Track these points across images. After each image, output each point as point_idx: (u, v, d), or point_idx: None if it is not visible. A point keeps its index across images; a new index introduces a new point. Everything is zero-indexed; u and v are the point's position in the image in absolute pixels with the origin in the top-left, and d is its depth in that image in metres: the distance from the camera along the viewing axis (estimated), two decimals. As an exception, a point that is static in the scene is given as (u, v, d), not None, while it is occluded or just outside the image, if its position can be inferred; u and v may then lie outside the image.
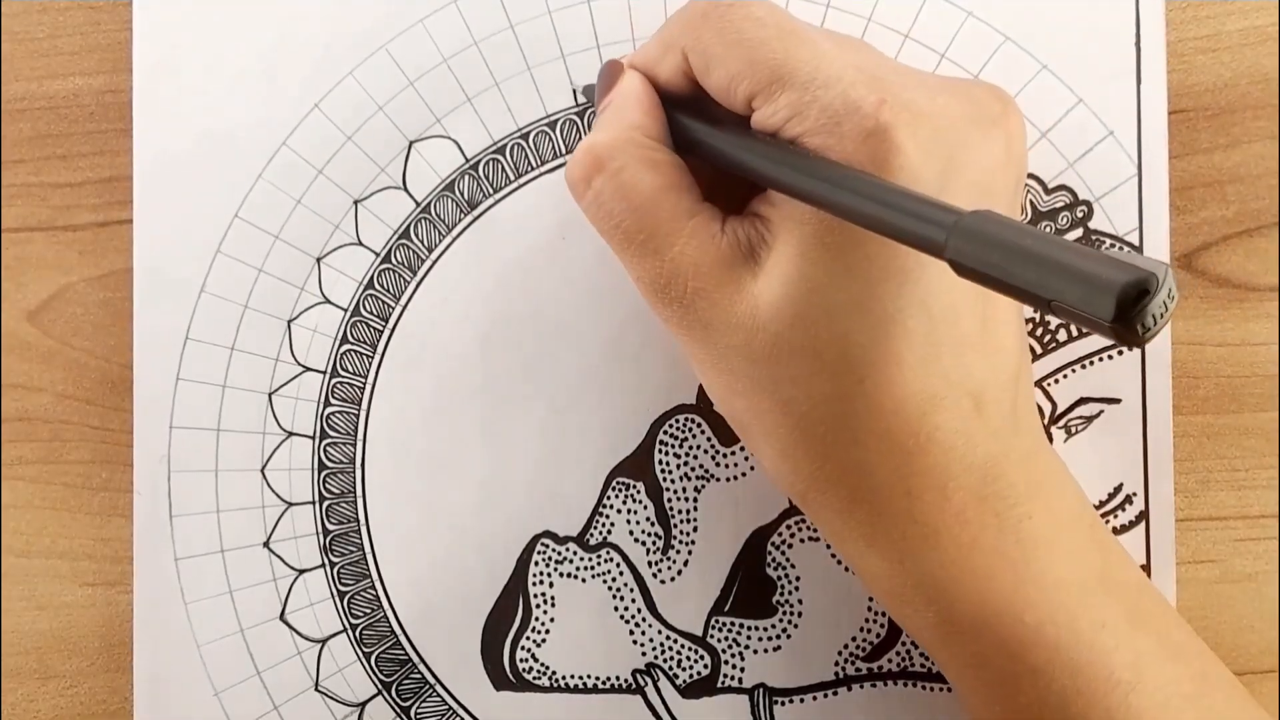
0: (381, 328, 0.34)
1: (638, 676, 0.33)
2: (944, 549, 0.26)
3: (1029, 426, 0.28)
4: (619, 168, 0.27)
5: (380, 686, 0.34)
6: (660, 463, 0.33)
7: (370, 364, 0.34)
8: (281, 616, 0.34)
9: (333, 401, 0.34)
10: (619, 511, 0.33)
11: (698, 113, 0.28)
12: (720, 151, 0.27)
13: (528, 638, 0.33)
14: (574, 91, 0.33)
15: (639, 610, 0.33)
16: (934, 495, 0.26)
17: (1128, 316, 0.18)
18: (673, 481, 0.33)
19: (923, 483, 0.26)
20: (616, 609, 0.33)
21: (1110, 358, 0.32)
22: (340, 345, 0.34)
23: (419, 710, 0.33)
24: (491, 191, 0.33)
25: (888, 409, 0.25)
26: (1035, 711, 0.26)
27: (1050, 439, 0.32)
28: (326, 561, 0.34)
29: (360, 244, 0.34)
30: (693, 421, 0.33)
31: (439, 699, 0.33)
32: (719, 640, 0.33)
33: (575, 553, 0.33)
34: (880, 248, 0.25)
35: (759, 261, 0.26)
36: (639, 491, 0.33)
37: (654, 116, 0.28)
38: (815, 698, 0.33)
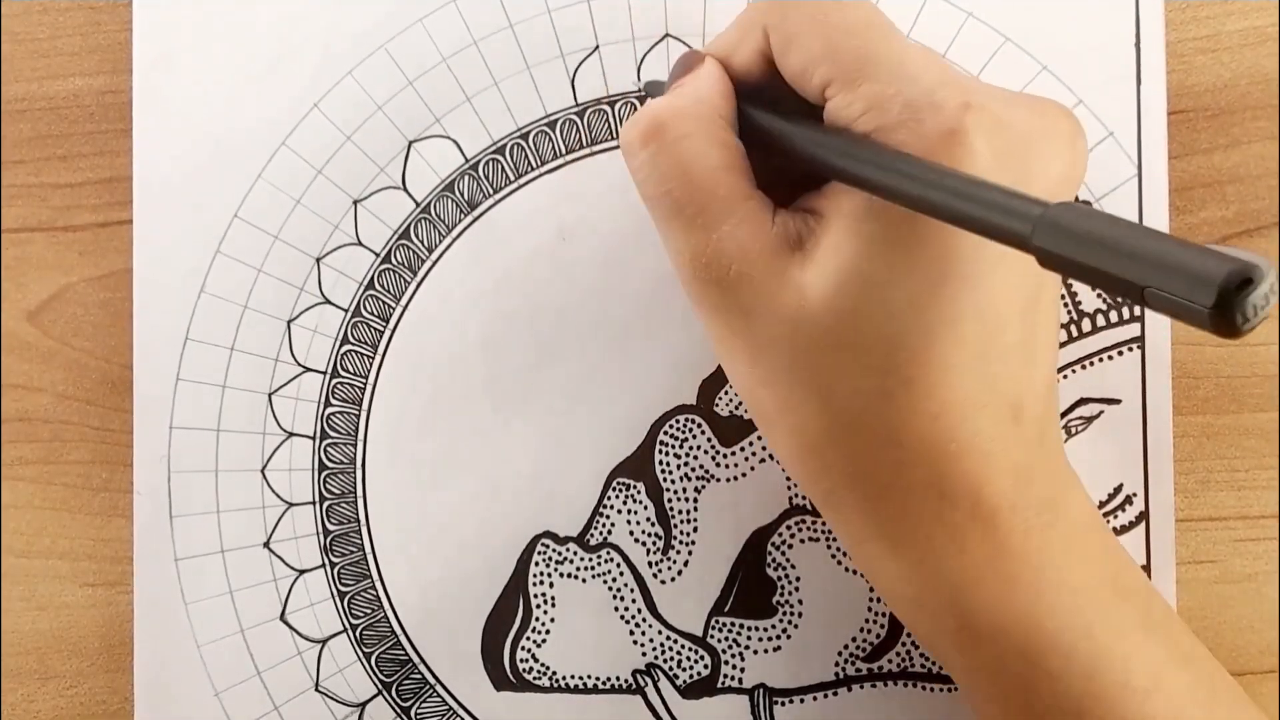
0: (382, 328, 0.34)
1: (638, 677, 0.33)
2: (970, 553, 0.26)
3: (1055, 437, 0.28)
4: (683, 135, 0.27)
5: (380, 687, 0.34)
6: (660, 463, 0.33)
7: (370, 364, 0.34)
8: (282, 617, 0.34)
9: (333, 402, 0.34)
10: (619, 512, 0.33)
11: (766, 104, 0.28)
12: (792, 142, 0.27)
13: (528, 638, 0.33)
14: (638, 73, 0.33)
15: (639, 610, 0.33)
16: (967, 500, 0.26)
17: (1228, 305, 0.18)
18: (673, 482, 0.33)
19: (957, 487, 0.26)
20: (617, 609, 0.33)
21: (1110, 358, 0.32)
22: (340, 346, 0.34)
23: (419, 710, 0.33)
24: (491, 191, 0.33)
25: (931, 412, 0.25)
26: (1051, 717, 0.26)
27: (1050, 439, 0.33)
28: (327, 562, 0.34)
29: (360, 244, 0.34)
30: (693, 422, 0.33)
31: (439, 699, 0.33)
32: (719, 640, 0.33)
33: (575, 553, 0.33)
34: (942, 250, 0.25)
35: (808, 255, 0.26)
36: (639, 492, 0.33)
37: (728, 100, 0.28)
38: (815, 698, 0.33)
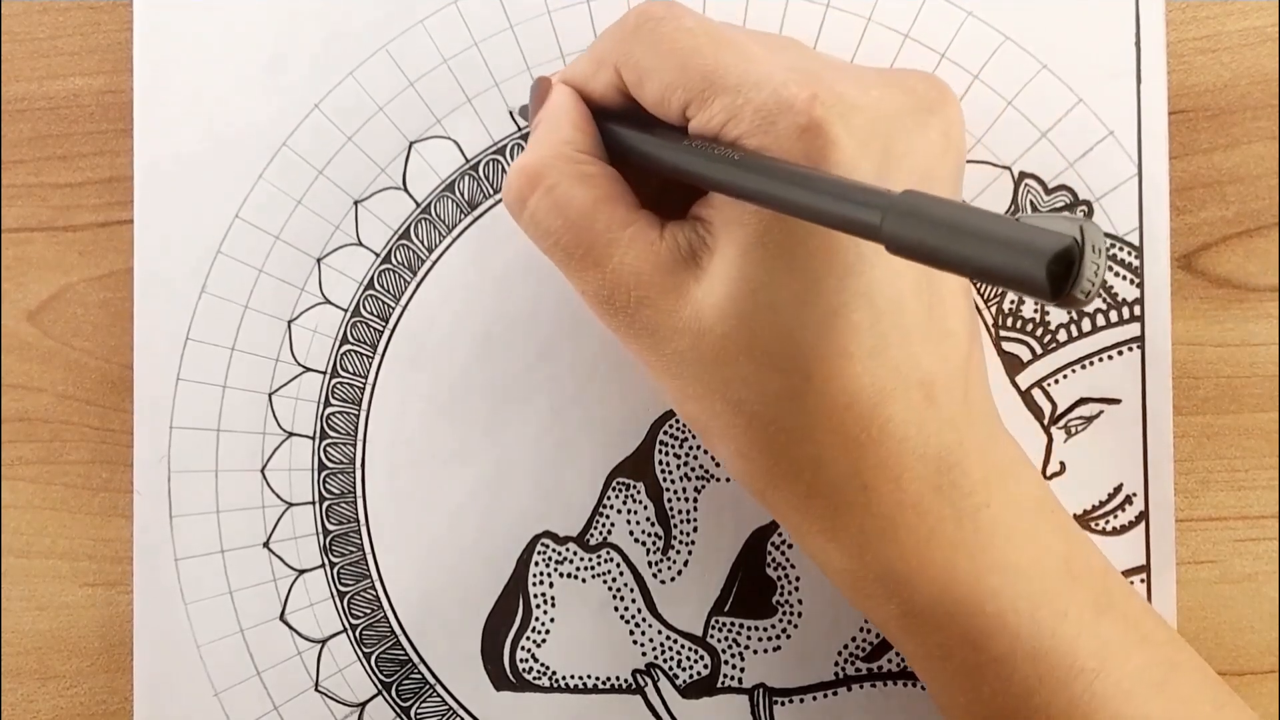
0: (381, 328, 0.34)
1: (638, 676, 0.33)
2: (902, 541, 0.26)
3: (983, 414, 0.28)
4: (552, 184, 0.27)
5: (380, 686, 0.34)
6: (660, 463, 0.33)
7: (370, 364, 0.34)
8: (281, 617, 0.34)
9: (333, 402, 0.34)
10: (619, 512, 0.33)
11: (633, 123, 0.28)
12: (656, 157, 0.28)
13: (528, 638, 0.33)
14: (510, 114, 0.33)
15: (639, 610, 0.33)
16: (889, 487, 0.26)
17: (1062, 284, 0.18)
18: (673, 482, 0.33)
19: (878, 475, 0.26)
20: (616, 609, 0.33)
21: (1110, 358, 0.32)
22: (340, 345, 0.34)
23: (419, 710, 0.33)
24: (491, 192, 0.33)
25: (839, 403, 0.25)
26: (999, 701, 0.26)
27: (1050, 439, 0.32)
28: (326, 561, 0.34)
29: (360, 244, 0.34)
30: (693, 422, 0.33)
31: (439, 699, 0.33)
32: (719, 640, 0.33)
33: (575, 553, 0.33)
34: (821, 244, 0.25)
35: (701, 265, 0.26)
36: (639, 492, 0.33)
37: (585, 131, 0.29)
38: (815, 698, 0.33)
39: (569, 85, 0.29)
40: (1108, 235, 0.32)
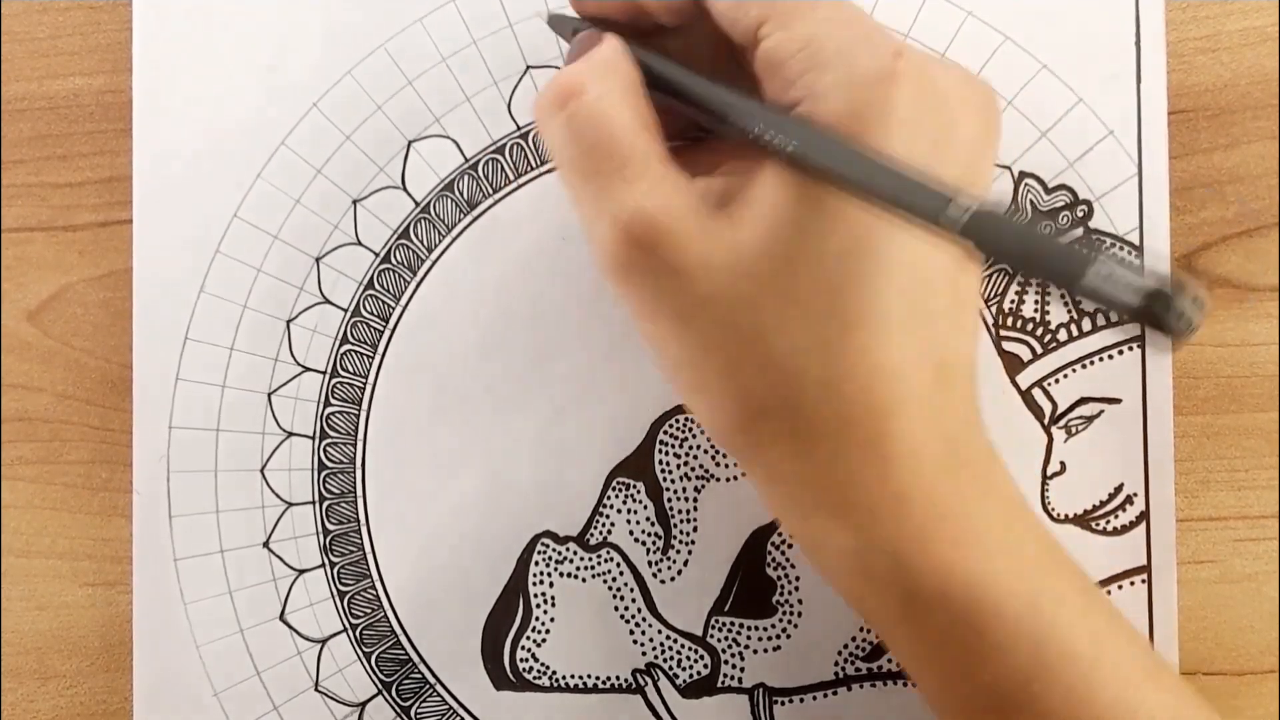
0: (381, 328, 0.34)
1: (638, 676, 0.33)
2: (912, 517, 0.26)
3: (978, 413, 0.28)
4: (601, 94, 0.26)
5: (380, 686, 0.34)
6: (660, 463, 0.33)
7: (370, 364, 0.34)
8: (281, 616, 0.34)
9: (332, 401, 0.34)
10: (619, 511, 0.33)
11: (677, 84, 0.27)
12: (724, 106, 0.26)
13: (528, 637, 0.33)
14: (546, 8, 0.32)
15: (639, 610, 0.33)
16: (910, 462, 0.25)
17: (1164, 306, 0.19)
18: (673, 481, 0.33)
19: (898, 447, 0.25)
20: (616, 609, 0.33)
21: (1110, 358, 0.32)
22: (340, 345, 0.34)
23: (419, 710, 0.33)
24: (491, 191, 0.33)
25: (869, 365, 0.25)
26: (999, 688, 0.26)
27: (1050, 438, 0.33)
28: (326, 561, 0.34)
29: (360, 244, 0.34)
30: (693, 421, 0.33)
31: (439, 699, 0.33)
32: (719, 640, 0.33)
33: (575, 553, 0.33)
34: (860, 210, 0.25)
35: (735, 211, 0.26)
36: (639, 491, 0.33)
37: (638, 70, 0.27)
38: (815, 698, 0.33)
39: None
40: (1108, 235, 0.32)
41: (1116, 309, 0.19)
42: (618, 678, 0.33)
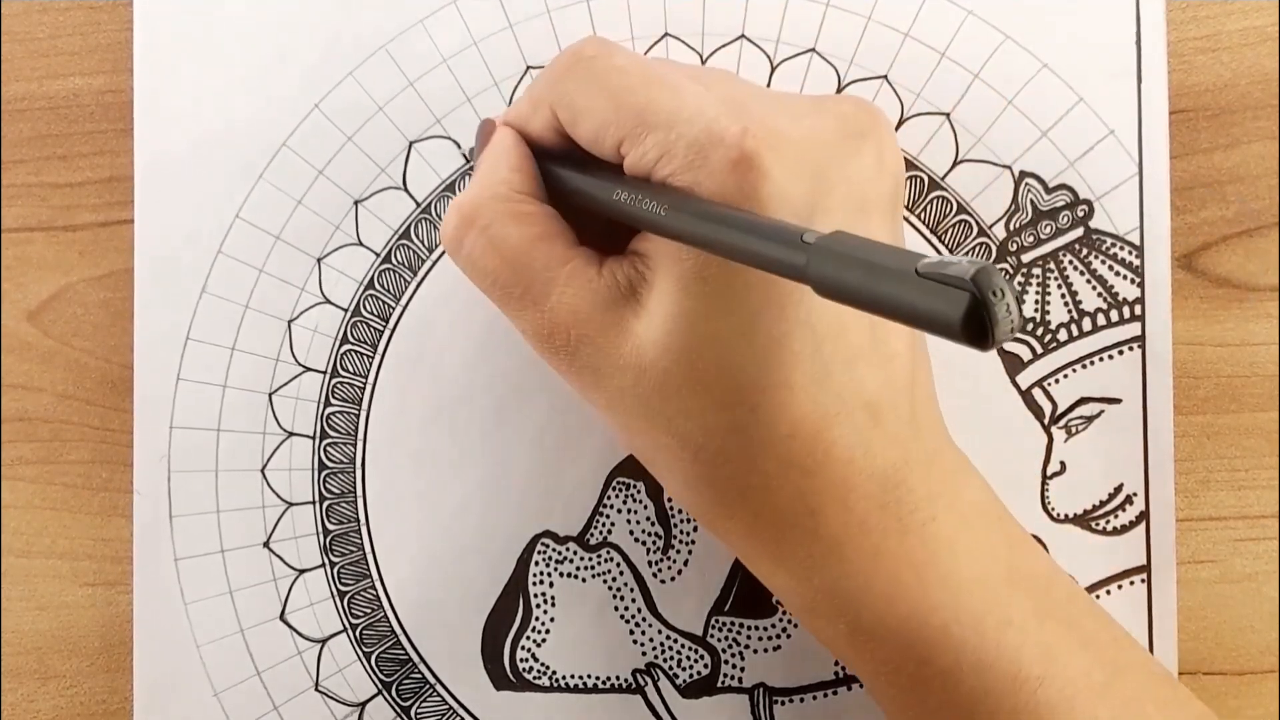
0: (382, 328, 0.34)
1: (638, 676, 0.33)
2: (849, 560, 0.26)
3: (929, 428, 0.28)
4: (486, 224, 0.27)
5: (380, 686, 0.34)
6: (660, 463, 0.33)
7: (370, 364, 0.34)
8: (281, 616, 0.34)
9: (333, 401, 0.34)
10: (619, 511, 0.33)
11: (572, 164, 0.28)
12: (592, 196, 0.28)
13: (528, 637, 0.33)
14: (463, 157, 0.33)
15: (639, 610, 0.33)
16: (836, 509, 0.26)
17: (977, 332, 0.18)
18: (673, 481, 0.33)
19: (824, 499, 0.26)
20: (616, 609, 0.33)
21: (1110, 358, 0.32)
22: (340, 345, 0.34)
23: (419, 710, 0.33)
24: (491, 191, 0.33)
25: (783, 433, 0.26)
26: (946, 713, 0.26)
27: (1050, 438, 0.32)
28: (326, 561, 0.34)
29: (360, 244, 0.34)
30: (693, 421, 0.33)
31: (439, 699, 0.33)
32: (719, 640, 0.33)
33: (575, 552, 0.33)
34: (760, 276, 0.25)
35: (640, 301, 0.26)
36: (639, 491, 0.33)
37: (524, 171, 0.29)
38: (815, 697, 0.33)
39: (511, 126, 0.30)
40: (1109, 235, 0.32)
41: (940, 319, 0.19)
42: (618, 678, 0.33)
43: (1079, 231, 0.32)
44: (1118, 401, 0.32)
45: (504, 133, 0.29)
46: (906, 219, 0.33)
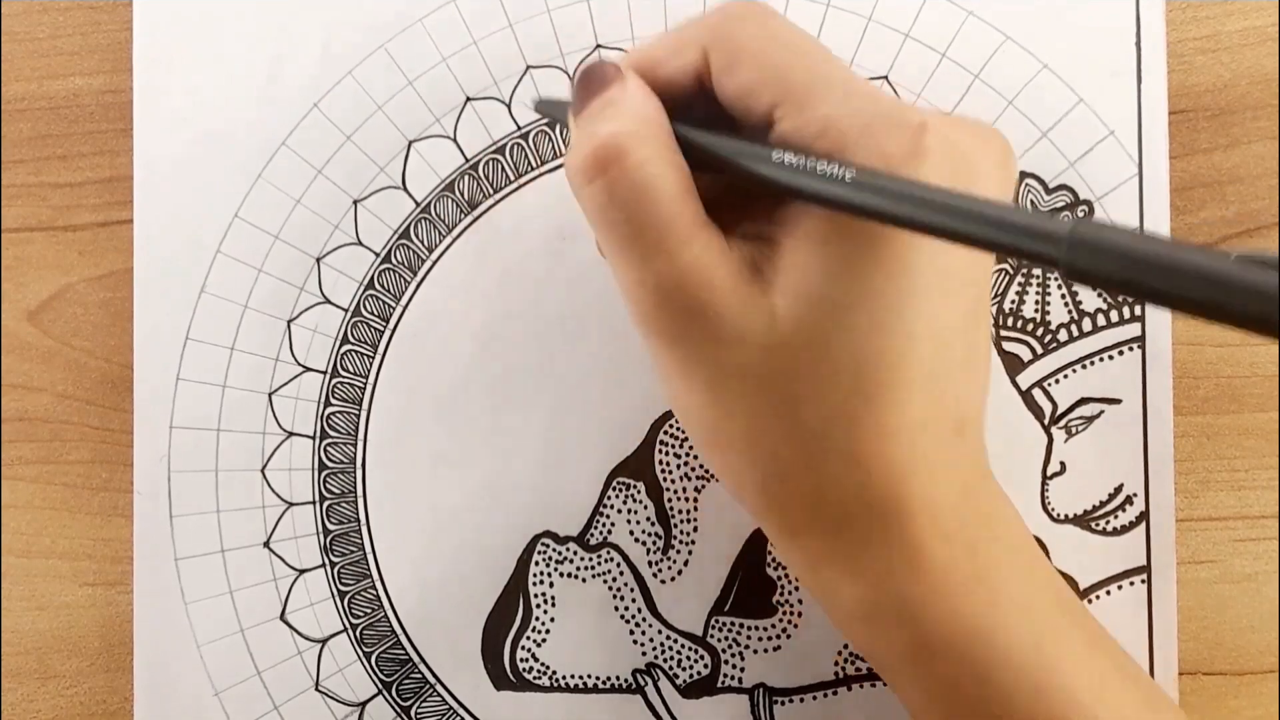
0: (382, 328, 0.34)
1: (638, 676, 0.33)
2: (926, 570, 0.26)
3: (985, 453, 0.28)
4: (643, 160, 0.25)
5: (380, 686, 0.34)
6: (660, 463, 0.33)
7: (370, 364, 0.34)
8: (282, 616, 0.34)
9: (333, 401, 0.34)
10: (619, 511, 0.33)
11: (693, 121, 0.26)
12: (726, 158, 0.25)
13: (528, 637, 0.33)
14: (513, 109, 0.32)
15: (639, 610, 0.33)
16: (924, 517, 0.26)
17: None
18: (673, 481, 0.33)
19: (914, 504, 0.26)
20: (617, 609, 0.33)
21: (1110, 358, 0.32)
22: (340, 345, 0.34)
23: (419, 710, 0.33)
24: (491, 191, 0.33)
25: (889, 430, 0.25)
26: None
27: (1050, 439, 0.33)
28: (327, 561, 0.34)
29: (360, 244, 0.34)
30: (693, 421, 0.33)
31: (439, 699, 0.33)
32: (719, 640, 0.33)
33: (575, 553, 0.33)
34: (899, 268, 0.24)
35: (768, 280, 0.26)
36: (639, 491, 0.33)
37: (666, 117, 0.26)
38: (815, 697, 0.33)
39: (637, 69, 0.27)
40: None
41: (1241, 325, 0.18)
42: (618, 678, 0.33)
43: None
44: (1118, 402, 0.32)
45: (637, 79, 0.27)
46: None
